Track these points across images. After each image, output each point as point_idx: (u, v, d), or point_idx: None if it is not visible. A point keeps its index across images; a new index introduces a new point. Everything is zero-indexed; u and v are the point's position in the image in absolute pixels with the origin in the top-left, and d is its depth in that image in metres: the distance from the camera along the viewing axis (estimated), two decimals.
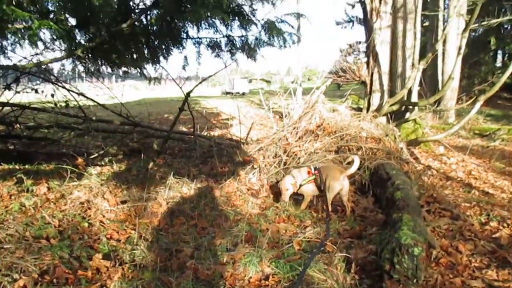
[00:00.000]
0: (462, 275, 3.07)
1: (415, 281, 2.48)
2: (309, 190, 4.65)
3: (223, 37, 6.83)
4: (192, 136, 7.16)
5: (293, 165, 5.51)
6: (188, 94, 6.18)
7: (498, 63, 25.02)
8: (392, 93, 8.99)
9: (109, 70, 7.02)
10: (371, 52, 9.24)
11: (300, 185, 4.60)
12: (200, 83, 6.81)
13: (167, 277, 2.89)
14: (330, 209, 4.33)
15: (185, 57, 6.88)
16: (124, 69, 6.98)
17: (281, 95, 8.22)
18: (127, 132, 7.30)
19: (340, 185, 4.41)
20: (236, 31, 6.72)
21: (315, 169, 4.63)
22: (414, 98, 8.75)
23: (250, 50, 6.72)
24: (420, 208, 3.88)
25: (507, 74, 7.43)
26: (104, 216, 3.98)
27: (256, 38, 6.70)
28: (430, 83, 13.85)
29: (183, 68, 6.77)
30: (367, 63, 9.53)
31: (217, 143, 6.93)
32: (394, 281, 2.53)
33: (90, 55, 6.27)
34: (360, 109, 9.51)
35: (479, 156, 8.64)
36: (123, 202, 4.39)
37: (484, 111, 13.80)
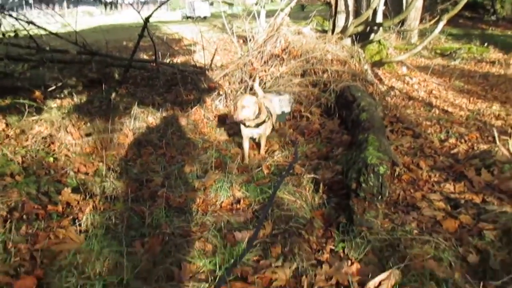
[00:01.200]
0: (422, 189, 3.25)
1: (380, 197, 2.61)
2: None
3: None
4: (154, 64, 6.90)
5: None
6: (147, 19, 5.84)
7: None
8: (357, 14, 8.83)
9: None
10: None
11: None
12: (159, 7, 6.47)
13: (139, 206, 2.92)
14: None
15: None
16: None
17: (245, 18, 7.94)
18: (85, 62, 6.92)
19: None
20: None
21: None
22: (379, 18, 8.66)
23: None
24: (384, 129, 4.00)
25: None
26: (69, 150, 3.89)
27: None
28: (394, 3, 13.64)
29: None
30: None
31: (181, 70, 6.72)
32: (360, 199, 2.65)
33: None
34: (325, 31, 9.37)
35: (440, 75, 8.84)
36: (88, 134, 4.28)
37: (446, 30, 13.91)
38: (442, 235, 2.45)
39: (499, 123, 5.24)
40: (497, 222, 2.56)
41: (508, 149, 3.80)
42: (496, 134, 4.05)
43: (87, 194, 3.07)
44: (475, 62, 10.85)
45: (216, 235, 2.56)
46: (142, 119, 4.76)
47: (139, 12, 5.98)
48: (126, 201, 2.98)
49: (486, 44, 12.77)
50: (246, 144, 3.92)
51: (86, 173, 3.50)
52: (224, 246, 2.46)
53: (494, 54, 11.85)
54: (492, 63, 10.57)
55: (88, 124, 4.56)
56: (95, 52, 6.57)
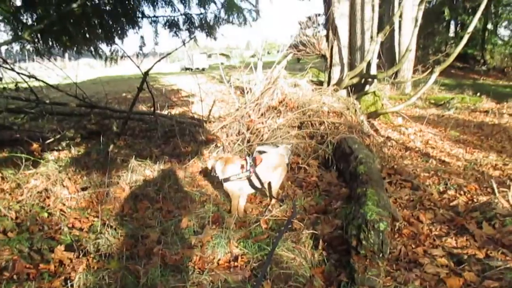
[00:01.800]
0: (424, 244, 3.19)
1: (381, 255, 2.55)
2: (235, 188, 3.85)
3: (181, 15, 6.62)
4: (153, 116, 6.98)
5: (257, 142, 5.49)
6: (146, 73, 5.97)
7: (451, 33, 25.72)
8: (352, 66, 9.05)
9: (61, 50, 6.67)
10: (330, 25, 9.22)
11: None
12: (158, 61, 6.58)
13: (134, 265, 2.84)
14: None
15: (142, 37, 6.66)
16: (76, 49, 6.67)
17: (242, 70, 8.12)
18: (84, 114, 7.02)
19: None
20: (195, 9, 6.56)
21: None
22: (373, 70, 8.85)
23: (209, 28, 6.58)
24: (382, 181, 3.98)
25: (461, 45, 7.62)
26: (64, 205, 3.84)
27: (216, 16, 6.57)
28: (388, 55, 14.07)
29: (140, 48, 6.54)
30: (327, 36, 9.52)
31: (179, 122, 6.79)
32: (361, 257, 2.59)
33: (39, 37, 5.91)
34: (320, 83, 9.55)
35: (435, 125, 8.93)
36: (84, 188, 4.25)
37: (439, 80, 14.22)
38: None
39: (496, 173, 5.23)
40: (503, 279, 2.49)
41: (508, 201, 3.77)
42: (495, 186, 4.04)
43: (80, 251, 2.99)
44: (469, 112, 11.00)
45: None
46: (139, 172, 4.74)
47: (138, 67, 6.10)
48: (121, 259, 2.90)
49: (478, 94, 13.03)
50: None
51: (81, 229, 3.43)
52: None
53: (487, 103, 12.04)
54: (486, 112, 10.71)
55: (85, 177, 4.53)
56: (94, 105, 6.66)
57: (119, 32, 6.33)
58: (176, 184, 4.56)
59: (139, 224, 3.59)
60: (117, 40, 6.42)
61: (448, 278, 2.60)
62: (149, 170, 4.84)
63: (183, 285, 2.61)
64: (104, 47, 6.68)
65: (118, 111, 7.49)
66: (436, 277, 2.63)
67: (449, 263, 2.83)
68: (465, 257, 2.90)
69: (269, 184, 3.98)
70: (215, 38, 6.68)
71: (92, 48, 6.52)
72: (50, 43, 6.23)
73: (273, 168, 3.93)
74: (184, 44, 6.68)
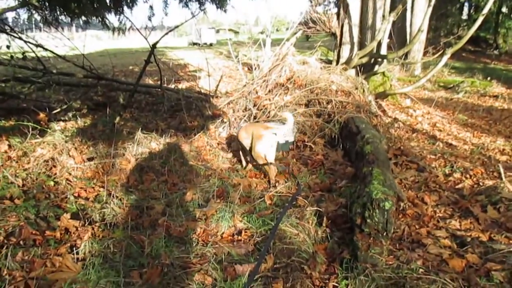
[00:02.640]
0: (428, 225, 3.19)
1: (385, 234, 2.55)
2: None
3: None
4: (160, 89, 6.95)
5: (263, 119, 5.47)
6: (154, 46, 5.91)
7: (464, 16, 25.27)
8: (362, 45, 8.91)
9: (68, 19, 6.58)
10: (341, 3, 9.05)
11: None
12: (166, 34, 6.52)
13: (139, 235, 2.87)
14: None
15: (151, 7, 6.52)
16: (84, 18, 6.57)
17: (250, 46, 8.04)
18: (90, 86, 6.99)
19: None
20: None
21: None
22: (384, 50, 8.73)
23: (220, 0, 6.42)
24: (388, 162, 3.96)
25: (474, 28, 7.47)
26: (70, 174, 3.86)
27: None
28: (399, 35, 13.83)
29: (149, 19, 6.42)
30: (338, 14, 9.35)
31: (186, 96, 6.76)
32: (364, 235, 2.59)
33: (46, 4, 5.82)
34: (329, 61, 9.44)
35: (443, 108, 8.85)
36: (90, 159, 4.26)
37: (449, 63, 14.04)
38: (449, 275, 2.38)
39: (504, 158, 5.19)
40: (505, 263, 2.49)
41: None
42: (502, 170, 4.01)
43: (86, 220, 3.02)
44: (478, 96, 10.88)
45: (216, 268, 2.49)
46: (145, 144, 4.74)
47: (146, 39, 6.04)
48: (126, 229, 2.93)
49: (489, 78, 12.86)
50: None
51: (87, 198, 3.46)
52: (224, 280, 2.40)
53: (497, 88, 11.89)
54: (495, 97, 10.60)
55: (91, 148, 4.54)
56: (101, 76, 6.63)
57: (128, 0, 6.20)
58: (182, 158, 4.56)
59: (144, 195, 3.61)
60: (126, 9, 6.30)
61: (451, 259, 2.60)
62: (155, 143, 4.85)
63: (187, 256, 2.63)
64: (112, 17, 6.58)
65: (125, 83, 7.46)
66: (438, 258, 2.64)
67: (452, 244, 2.84)
68: (469, 239, 2.90)
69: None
70: (225, 11, 6.55)
71: (100, 18, 6.42)
72: (58, 11, 6.13)
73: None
74: (193, 16, 6.59)
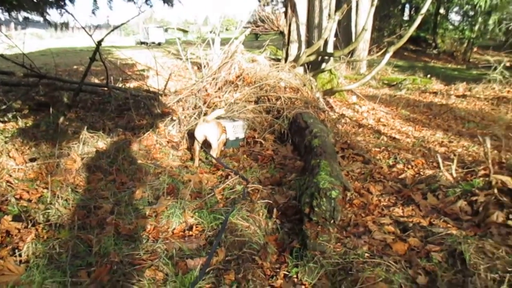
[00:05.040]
0: (373, 213, 3.33)
1: (332, 221, 2.64)
2: None
3: None
4: (106, 88, 6.76)
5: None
6: (99, 43, 5.75)
7: (406, 17, 26.46)
8: (309, 44, 9.11)
9: (6, 15, 6.23)
10: (289, 2, 9.21)
11: None
12: (112, 30, 6.37)
13: (86, 234, 2.78)
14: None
15: (95, 0, 6.29)
16: (24, 14, 6.24)
17: (199, 45, 7.99)
18: (32, 85, 6.68)
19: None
20: None
21: None
22: (330, 48, 8.98)
23: None
24: (336, 154, 4.08)
25: (413, 27, 7.85)
26: (11, 176, 3.67)
27: None
28: (345, 34, 14.28)
29: (93, 12, 6.20)
30: (285, 13, 9.51)
31: (133, 95, 6.62)
32: (313, 223, 2.66)
33: None
34: (278, 60, 9.57)
35: (387, 104, 9.23)
36: (32, 160, 4.08)
37: (392, 62, 14.68)
38: (392, 257, 2.50)
39: (442, 149, 5.50)
40: (443, 244, 2.64)
41: (451, 174, 3.98)
42: (440, 160, 4.24)
43: (29, 222, 2.89)
44: (419, 93, 11.44)
45: (167, 263, 2.47)
46: (91, 144, 4.60)
47: (91, 36, 5.86)
48: (72, 229, 2.83)
49: (429, 76, 13.57)
50: None
51: (29, 200, 3.31)
52: (175, 274, 2.38)
53: (436, 85, 12.57)
54: (435, 93, 11.19)
55: (33, 148, 4.35)
56: (43, 75, 6.36)
57: None
58: (130, 157, 4.47)
59: (91, 195, 3.50)
60: (68, 2, 6.03)
61: (394, 243, 2.73)
62: (102, 142, 4.71)
63: (137, 253, 2.59)
64: (54, 14, 6.30)
65: (69, 82, 7.18)
66: (383, 243, 2.76)
67: (395, 230, 2.97)
68: (410, 224, 3.06)
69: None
70: (172, 5, 6.43)
71: (40, 14, 6.12)
72: None
73: None
74: (140, 13, 6.45)
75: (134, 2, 6.35)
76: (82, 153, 4.33)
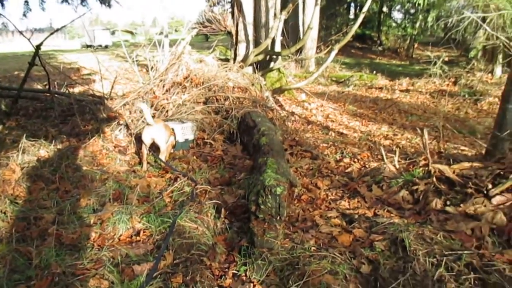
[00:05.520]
0: (320, 207, 3.41)
1: (278, 218, 2.66)
2: None
3: None
4: (48, 94, 6.49)
5: (162, 119, 5.37)
6: (38, 47, 5.51)
7: (351, 15, 27.22)
8: (257, 43, 9.18)
9: None
10: (235, 2, 9.23)
11: None
12: (51, 33, 6.13)
13: (25, 247, 2.66)
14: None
15: (26, 2, 5.99)
16: None
17: (146, 47, 7.85)
18: None
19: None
20: None
21: None
22: (278, 48, 9.09)
23: None
24: (283, 152, 4.13)
25: (356, 25, 8.13)
26: None
27: None
28: (293, 33, 14.50)
29: (24, 15, 5.91)
30: (232, 13, 9.53)
31: (78, 100, 6.39)
32: (260, 221, 2.68)
33: None
34: (227, 60, 9.58)
35: (335, 100, 9.46)
36: None
37: (340, 60, 15.05)
38: (338, 249, 2.56)
39: (387, 142, 5.71)
40: (386, 233, 2.74)
41: (394, 166, 4.13)
42: (383, 153, 4.39)
43: None
44: (366, 88, 11.82)
45: (113, 271, 2.41)
46: (32, 152, 4.39)
47: (29, 40, 5.61)
48: (10, 242, 2.70)
49: (374, 72, 14.05)
50: None
51: None
52: (121, 282, 2.32)
53: (382, 80, 13.03)
54: (380, 89, 11.59)
55: None
56: None
57: None
58: (75, 164, 4.31)
59: (32, 206, 3.34)
60: None
61: (340, 235, 2.80)
62: (44, 150, 4.51)
63: (80, 262, 2.50)
64: None
65: (7, 88, 6.84)
66: (329, 236, 2.83)
67: (341, 222, 3.06)
68: (356, 216, 3.15)
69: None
70: (109, 6, 6.26)
71: None
72: None
73: None
74: (76, 11, 6.24)
75: (68, 3, 6.10)
76: (22, 163, 4.13)
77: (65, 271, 2.40)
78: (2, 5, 5.74)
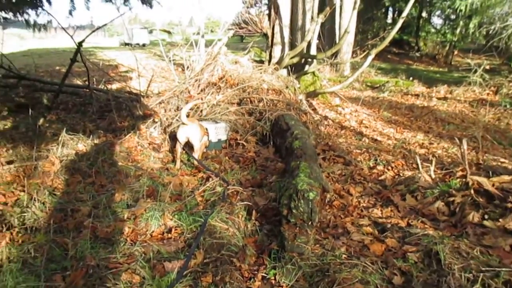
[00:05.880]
0: (352, 214, 3.36)
1: (310, 223, 2.64)
2: None
3: None
4: (88, 90, 6.68)
5: (196, 118, 5.43)
6: (80, 44, 5.68)
7: (389, 20, 26.75)
8: (292, 46, 9.15)
9: None
10: (272, 4, 9.25)
11: None
12: (93, 31, 6.30)
13: (62, 238, 2.75)
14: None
15: (72, 0, 6.18)
16: (3, 14, 6.13)
17: (183, 47, 7.96)
18: (11, 86, 6.58)
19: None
20: None
21: None
22: (313, 51, 9.03)
23: None
24: (316, 156, 4.10)
25: (395, 29, 7.97)
26: None
27: None
28: (328, 36, 14.36)
29: (70, 13, 6.09)
30: (269, 15, 9.54)
31: (116, 96, 6.55)
32: (291, 225, 2.67)
33: None
34: (262, 62, 9.58)
35: (370, 106, 9.32)
36: (9, 162, 4.01)
37: (376, 65, 14.83)
38: (370, 258, 2.52)
39: (422, 151, 5.57)
40: (420, 245, 2.68)
41: (429, 176, 4.03)
42: (419, 162, 4.29)
43: (4, 225, 2.84)
44: (402, 95, 11.57)
45: (145, 266, 2.45)
46: (71, 146, 4.53)
47: (71, 36, 5.79)
48: (48, 232, 2.79)
49: (411, 78, 13.74)
50: None
51: (5, 203, 3.25)
52: (152, 277, 2.36)
53: (418, 87, 12.72)
54: (417, 96, 11.33)
55: (11, 151, 4.28)
56: (22, 76, 6.26)
57: None
58: (111, 159, 4.42)
59: (69, 198, 3.45)
60: (44, 2, 5.89)
61: (372, 244, 2.76)
62: (82, 144, 4.65)
63: (113, 256, 2.57)
64: (32, 13, 6.15)
65: (49, 83, 7.09)
66: (361, 244, 2.79)
67: (373, 231, 3.01)
68: (389, 225, 3.09)
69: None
70: (151, 6, 6.37)
71: (18, 14, 6.00)
72: None
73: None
74: (119, 11, 6.39)
75: (112, 3, 6.25)
76: (61, 156, 4.27)
77: (99, 263, 2.47)
78: (49, 2, 5.90)
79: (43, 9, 6.13)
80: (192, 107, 5.69)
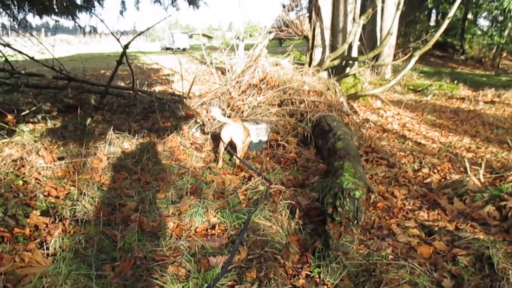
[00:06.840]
0: (397, 216, 3.28)
1: (355, 222, 2.61)
2: None
3: None
4: (132, 91, 6.88)
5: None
6: (126, 46, 5.85)
7: (432, 22, 26.05)
8: (333, 48, 9.09)
9: (38, 19, 6.43)
10: (313, 6, 9.22)
11: None
12: (138, 35, 6.48)
13: (111, 230, 2.83)
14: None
15: (123, 1, 6.39)
16: (54, 18, 6.42)
17: (224, 50, 8.07)
18: (60, 88, 6.86)
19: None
20: None
21: None
22: (354, 53, 8.92)
23: None
24: (359, 157, 4.04)
25: (439, 32, 7.76)
26: (40, 174, 3.77)
27: None
28: (369, 39, 14.14)
29: (121, 13, 6.31)
30: (310, 17, 9.53)
31: (158, 98, 6.72)
32: (336, 224, 2.64)
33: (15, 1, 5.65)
34: (302, 64, 9.57)
35: (412, 109, 9.10)
36: (60, 158, 4.18)
37: (418, 68, 14.46)
38: (417, 260, 2.46)
39: (469, 155, 5.38)
40: (470, 248, 2.59)
41: (479, 179, 3.89)
42: (467, 165, 4.16)
43: (56, 217, 2.97)
44: (446, 98, 11.24)
45: (190, 260, 2.49)
46: (117, 144, 4.68)
47: (118, 39, 5.98)
48: (98, 224, 2.89)
49: (456, 82, 13.31)
50: None
51: (57, 197, 3.39)
52: (198, 271, 2.39)
53: (463, 91, 12.33)
54: (462, 99, 10.98)
55: (61, 148, 4.46)
56: (71, 78, 6.52)
57: None
58: (155, 157, 4.53)
59: (116, 193, 3.57)
60: (96, 4, 6.13)
61: (419, 246, 2.69)
62: (127, 143, 4.79)
63: (160, 249, 2.62)
64: (82, 16, 6.40)
65: (96, 84, 7.35)
66: (407, 246, 2.72)
67: (420, 233, 2.93)
68: (436, 228, 3.00)
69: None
70: (197, 7, 6.49)
71: (70, 17, 6.27)
72: (26, 8, 5.93)
73: None
74: (166, 12, 6.54)
75: (161, 3, 6.41)
76: (108, 153, 4.41)
77: (146, 256, 2.53)
78: (101, 5, 6.13)
79: (94, 14, 6.37)
80: (233, 108, 5.75)
